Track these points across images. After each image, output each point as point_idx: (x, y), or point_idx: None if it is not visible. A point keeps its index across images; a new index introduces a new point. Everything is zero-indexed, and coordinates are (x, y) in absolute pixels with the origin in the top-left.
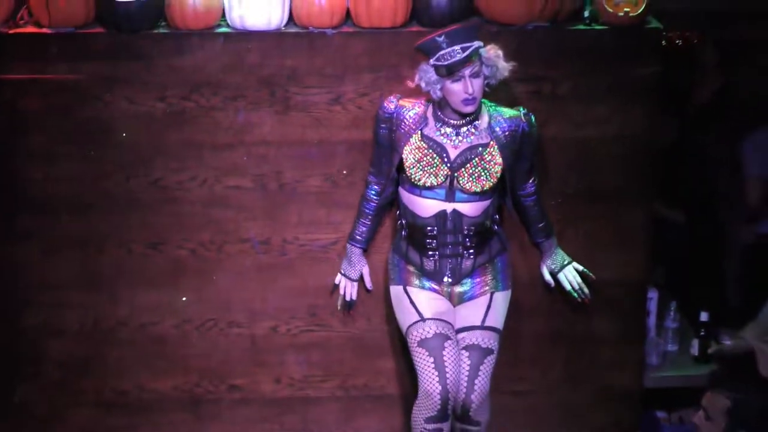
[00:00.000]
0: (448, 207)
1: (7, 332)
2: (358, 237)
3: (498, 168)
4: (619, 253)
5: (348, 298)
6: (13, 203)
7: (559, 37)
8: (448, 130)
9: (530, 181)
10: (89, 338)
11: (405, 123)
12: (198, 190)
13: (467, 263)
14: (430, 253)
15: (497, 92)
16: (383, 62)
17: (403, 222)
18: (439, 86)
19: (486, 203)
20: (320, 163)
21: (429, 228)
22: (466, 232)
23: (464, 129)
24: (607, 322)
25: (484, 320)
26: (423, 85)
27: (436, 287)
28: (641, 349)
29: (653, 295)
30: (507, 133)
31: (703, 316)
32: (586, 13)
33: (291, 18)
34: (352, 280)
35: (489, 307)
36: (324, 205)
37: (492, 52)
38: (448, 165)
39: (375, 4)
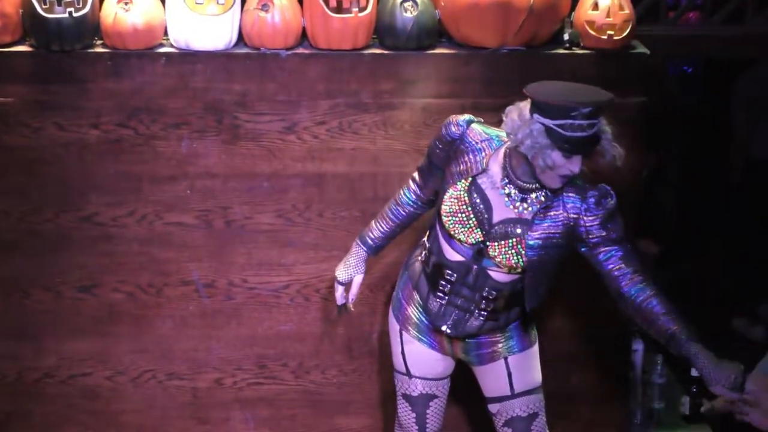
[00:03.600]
0: (474, 263)
1: None
2: (368, 240)
3: (528, 252)
4: (600, 302)
5: (338, 302)
6: None
7: (536, 62)
8: (513, 191)
9: (614, 272)
10: (12, 392)
11: (463, 160)
12: (136, 227)
13: (474, 323)
14: (440, 294)
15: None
16: (342, 88)
17: (428, 246)
18: (549, 152)
19: (518, 277)
20: (272, 198)
21: (449, 272)
22: (485, 294)
23: (534, 195)
24: (589, 377)
25: (512, 388)
26: (528, 143)
27: (435, 341)
28: (625, 408)
29: (638, 347)
30: (561, 212)
31: (694, 372)
32: (566, 36)
33: (241, 38)
34: (339, 282)
35: (510, 373)
36: (276, 245)
37: (610, 134)
38: (483, 231)
39: (334, 23)
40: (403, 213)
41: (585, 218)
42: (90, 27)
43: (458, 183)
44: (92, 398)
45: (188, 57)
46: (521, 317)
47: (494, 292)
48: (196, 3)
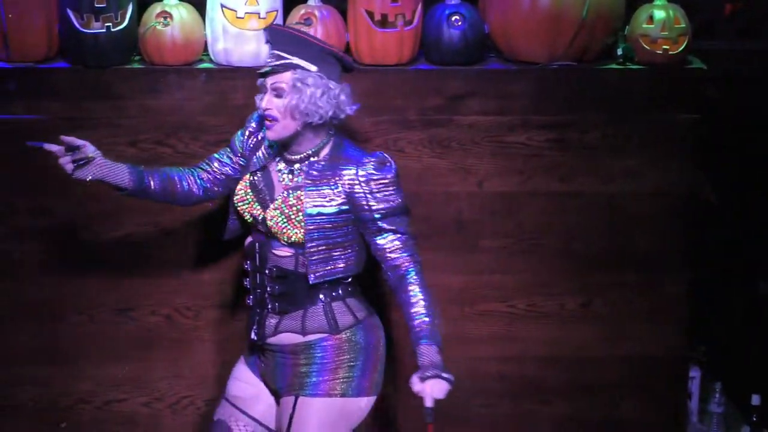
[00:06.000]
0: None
1: None
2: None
3: (301, 217)
4: (654, 326)
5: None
6: None
7: (587, 77)
8: (282, 165)
9: (389, 250)
10: (45, 418)
11: (260, 152)
12: (173, 247)
13: (271, 321)
14: (250, 296)
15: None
16: (387, 104)
17: None
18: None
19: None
20: None
21: (247, 261)
22: (268, 273)
23: (297, 167)
24: (641, 406)
25: (288, 430)
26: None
27: (258, 360)
28: None
29: (695, 374)
30: (337, 180)
31: (755, 400)
32: (620, 51)
33: None
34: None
35: (292, 416)
36: None
37: (312, 80)
38: (265, 206)
39: (378, 38)
40: (181, 169)
41: (363, 186)
42: (128, 42)
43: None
44: (129, 425)
45: (229, 73)
46: (331, 330)
47: (275, 269)
48: (237, 17)
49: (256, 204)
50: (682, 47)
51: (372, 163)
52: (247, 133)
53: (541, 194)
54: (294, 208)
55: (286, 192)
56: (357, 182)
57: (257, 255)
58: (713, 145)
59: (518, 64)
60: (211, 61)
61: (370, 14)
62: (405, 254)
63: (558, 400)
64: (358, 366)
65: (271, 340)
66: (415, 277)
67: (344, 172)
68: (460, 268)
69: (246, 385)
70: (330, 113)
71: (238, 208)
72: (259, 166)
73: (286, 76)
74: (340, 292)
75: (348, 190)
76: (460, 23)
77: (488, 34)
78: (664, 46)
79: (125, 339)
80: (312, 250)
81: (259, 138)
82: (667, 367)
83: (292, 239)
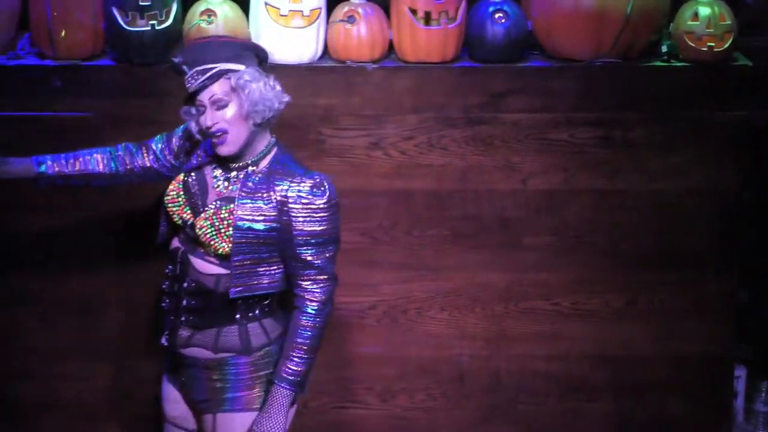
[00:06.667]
0: (184, 248)
1: None
2: (47, 157)
3: (231, 231)
4: (700, 324)
5: None
6: (5, 260)
7: (631, 75)
8: (219, 171)
9: (298, 277)
10: (90, 413)
11: (197, 154)
12: None
13: (183, 333)
14: (165, 300)
15: (556, 136)
16: (430, 102)
17: None
18: (192, 120)
19: (227, 272)
20: (357, 216)
21: (168, 266)
22: (186, 286)
23: (233, 174)
24: (686, 404)
25: None
26: (182, 116)
27: (177, 374)
28: None
29: (741, 373)
30: (272, 194)
31: None
32: (664, 48)
33: (326, 51)
34: None
35: None
36: (361, 264)
37: (249, 76)
38: (195, 211)
39: (422, 36)
40: (99, 152)
41: (292, 205)
42: (172, 40)
43: (184, 173)
44: None
45: (271, 71)
46: (243, 351)
47: (194, 285)
48: (281, 15)
49: (187, 208)
50: (728, 44)
51: (307, 184)
52: (186, 135)
53: (585, 192)
54: (225, 222)
55: (218, 202)
56: (288, 199)
57: (178, 264)
58: (759, 142)
59: (562, 61)
60: None
61: (414, 12)
62: (312, 288)
63: (604, 399)
64: (257, 374)
65: (183, 350)
66: (311, 316)
67: (278, 186)
68: (505, 265)
69: (176, 404)
70: (276, 104)
71: (168, 209)
72: (193, 167)
73: (221, 85)
74: (257, 312)
75: (279, 206)
76: (503, 20)
77: (532, 32)
78: (709, 43)
79: None
80: (237, 264)
81: (195, 142)
82: (712, 365)
83: (219, 252)
